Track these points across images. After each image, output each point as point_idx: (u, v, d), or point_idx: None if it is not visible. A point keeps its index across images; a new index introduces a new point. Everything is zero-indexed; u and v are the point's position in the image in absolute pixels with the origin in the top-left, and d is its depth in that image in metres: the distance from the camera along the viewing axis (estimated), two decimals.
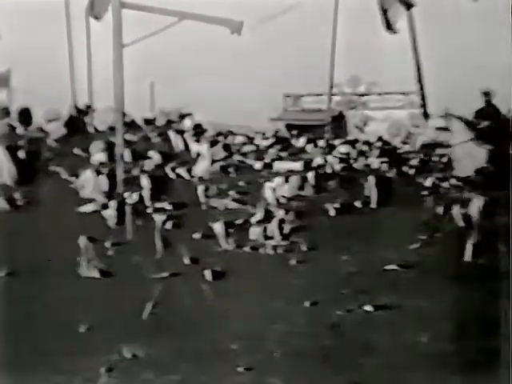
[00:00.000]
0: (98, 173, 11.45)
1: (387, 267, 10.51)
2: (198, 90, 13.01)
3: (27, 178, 11.12)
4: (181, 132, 13.26)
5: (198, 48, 12.87)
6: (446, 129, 12.80)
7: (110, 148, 11.89)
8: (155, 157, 12.46)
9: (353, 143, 14.53)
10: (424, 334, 8.42)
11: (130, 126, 12.65)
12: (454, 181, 12.84)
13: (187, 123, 13.50)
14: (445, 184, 13.15)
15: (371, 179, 12.81)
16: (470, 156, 12.70)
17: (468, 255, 10.64)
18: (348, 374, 7.79)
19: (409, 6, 13.38)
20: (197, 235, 11.29)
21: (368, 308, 9.36)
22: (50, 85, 12.51)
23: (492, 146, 12.69)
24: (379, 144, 14.80)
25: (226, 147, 13.20)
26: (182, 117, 13.63)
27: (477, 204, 11.81)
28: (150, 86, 13.73)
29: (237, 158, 12.91)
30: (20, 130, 12.22)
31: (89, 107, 13.30)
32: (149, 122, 13.34)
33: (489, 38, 12.61)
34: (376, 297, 9.63)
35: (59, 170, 11.01)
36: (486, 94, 13.08)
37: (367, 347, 8.29)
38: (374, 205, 12.60)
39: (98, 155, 11.68)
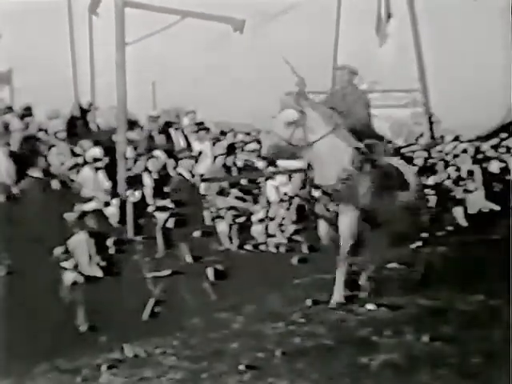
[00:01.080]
0: (96, 169, 11.43)
1: (389, 266, 10.51)
2: (201, 88, 12.99)
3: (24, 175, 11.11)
4: (182, 130, 13.26)
5: (201, 46, 12.86)
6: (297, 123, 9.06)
7: (101, 144, 11.89)
8: (158, 155, 12.45)
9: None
10: (426, 334, 8.41)
11: (132, 124, 12.64)
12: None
13: (185, 121, 13.47)
14: (447, 183, 13.14)
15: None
16: (333, 156, 9.25)
17: None
18: (350, 373, 7.79)
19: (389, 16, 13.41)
20: (198, 233, 11.30)
21: (370, 307, 9.35)
22: (52, 84, 12.49)
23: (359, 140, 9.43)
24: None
25: (229, 145, 13.19)
26: (185, 115, 13.62)
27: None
28: (153, 85, 13.70)
29: (239, 156, 12.90)
30: (19, 127, 12.19)
31: (91, 105, 13.29)
32: (151, 120, 13.32)
33: (489, 37, 12.57)
34: (378, 295, 9.63)
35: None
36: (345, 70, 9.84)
37: (369, 346, 8.28)
38: None
39: (93, 151, 11.63)
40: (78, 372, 7.90)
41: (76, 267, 10.09)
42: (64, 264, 10.05)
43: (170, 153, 12.59)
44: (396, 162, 10.16)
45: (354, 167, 9.29)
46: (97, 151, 11.59)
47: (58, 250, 10.12)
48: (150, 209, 11.47)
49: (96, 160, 11.45)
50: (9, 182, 11.08)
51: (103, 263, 10.20)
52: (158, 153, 12.32)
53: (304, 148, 9.34)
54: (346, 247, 9.32)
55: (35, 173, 10.88)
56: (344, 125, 9.39)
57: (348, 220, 9.30)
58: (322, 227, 9.68)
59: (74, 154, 11.87)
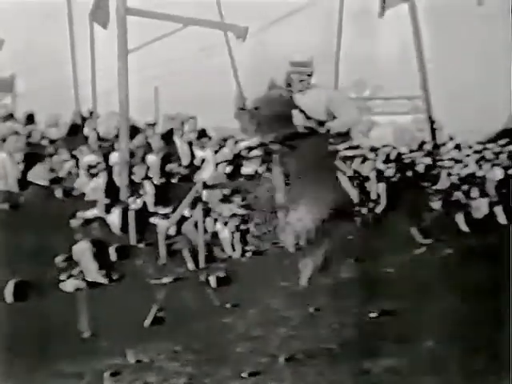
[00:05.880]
0: (92, 176, 11.42)
1: (389, 269, 10.51)
2: (202, 94, 13.01)
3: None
4: (185, 137, 13.27)
5: (202, 53, 12.88)
6: None
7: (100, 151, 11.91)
8: (159, 162, 12.45)
9: (356, 148, 14.52)
10: (429, 339, 8.40)
11: (133, 130, 12.64)
12: None
13: (187, 127, 13.46)
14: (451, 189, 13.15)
15: (380, 184, 12.88)
16: None
17: None
18: (353, 379, 7.78)
19: None
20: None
21: (372, 314, 9.34)
22: (53, 90, 12.51)
23: None
24: (384, 149, 14.79)
25: (231, 152, 13.21)
26: (186, 121, 13.61)
27: None
28: (155, 91, 13.71)
29: (241, 162, 12.90)
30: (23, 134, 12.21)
31: (92, 113, 13.29)
32: (151, 126, 13.32)
33: (491, 43, 12.58)
34: (381, 302, 9.63)
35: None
36: None
37: (372, 352, 8.27)
38: (380, 210, 12.64)
39: (88, 158, 11.60)
40: (80, 378, 7.90)
41: (79, 274, 10.11)
42: (67, 271, 10.09)
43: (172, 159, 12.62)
44: None
45: None
46: (92, 158, 11.57)
47: (59, 258, 10.14)
48: (151, 216, 11.47)
49: (91, 167, 11.43)
50: (14, 190, 11.12)
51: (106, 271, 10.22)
52: (154, 158, 12.31)
53: None
54: None
55: (39, 181, 10.90)
56: None
57: None
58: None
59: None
